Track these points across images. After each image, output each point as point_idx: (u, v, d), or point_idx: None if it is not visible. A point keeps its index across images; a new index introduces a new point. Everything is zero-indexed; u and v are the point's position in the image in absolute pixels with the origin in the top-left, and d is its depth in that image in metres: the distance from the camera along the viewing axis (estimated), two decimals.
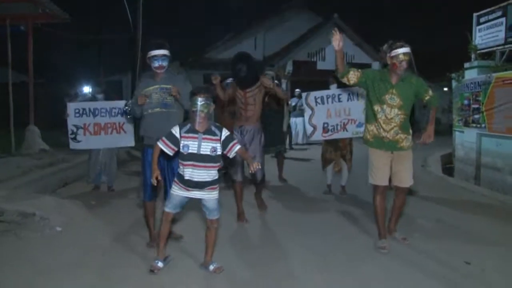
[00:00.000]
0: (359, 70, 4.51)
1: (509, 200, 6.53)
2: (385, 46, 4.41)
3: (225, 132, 3.79)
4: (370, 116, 4.55)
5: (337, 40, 4.20)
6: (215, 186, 3.80)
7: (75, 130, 6.97)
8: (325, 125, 6.68)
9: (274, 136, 7.70)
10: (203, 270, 3.88)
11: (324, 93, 6.77)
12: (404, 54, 4.26)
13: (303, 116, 7.52)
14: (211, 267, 3.85)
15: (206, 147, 3.70)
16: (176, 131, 3.73)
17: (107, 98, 7.32)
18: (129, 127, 7.08)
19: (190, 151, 3.68)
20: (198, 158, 3.69)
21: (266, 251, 4.50)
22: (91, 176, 7.17)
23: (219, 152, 3.75)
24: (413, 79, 4.49)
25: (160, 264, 3.84)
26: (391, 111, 4.39)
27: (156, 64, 4.43)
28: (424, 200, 6.49)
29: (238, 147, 3.83)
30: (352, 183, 6.96)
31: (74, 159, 8.51)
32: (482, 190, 7.33)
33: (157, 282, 3.67)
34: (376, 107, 4.44)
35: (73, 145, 7.08)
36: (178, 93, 4.30)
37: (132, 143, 7.23)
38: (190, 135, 3.70)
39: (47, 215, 4.94)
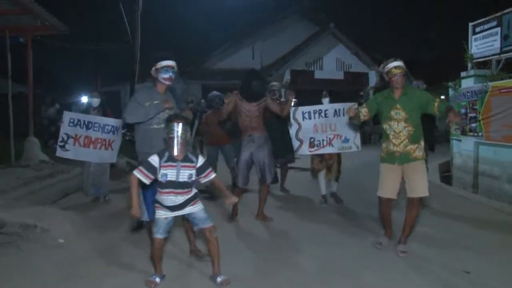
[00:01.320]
0: (364, 105, 4.93)
1: (506, 208, 6.58)
2: (381, 67, 4.73)
3: (201, 159, 3.84)
4: (384, 136, 4.79)
5: (350, 114, 4.80)
6: (197, 200, 3.84)
7: (65, 138, 6.99)
8: (312, 139, 6.76)
9: (282, 145, 7.68)
10: (209, 280, 3.91)
11: (311, 108, 6.84)
12: (395, 67, 4.54)
13: None
14: (219, 279, 3.85)
15: (184, 175, 3.72)
16: (155, 161, 3.71)
17: (103, 104, 7.30)
18: (117, 145, 7.16)
19: (168, 179, 3.69)
20: (177, 185, 3.71)
21: (267, 259, 4.54)
22: (85, 187, 7.24)
23: (194, 178, 3.79)
24: (418, 92, 4.77)
25: (157, 279, 3.84)
26: (398, 125, 4.60)
27: (165, 75, 4.39)
28: (423, 209, 6.51)
29: (213, 175, 3.89)
30: (349, 192, 7.01)
31: (73, 170, 8.51)
32: (479, 198, 7.38)
33: None
34: (385, 125, 4.70)
35: (59, 152, 7.10)
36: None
37: (114, 159, 7.29)
38: (169, 163, 3.70)
39: (48, 227, 4.96)
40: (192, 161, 3.77)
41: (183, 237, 4.87)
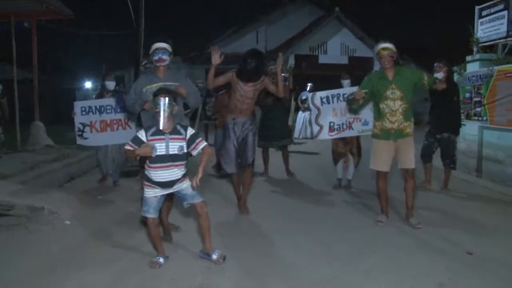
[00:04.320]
0: (359, 88, 5.07)
1: (510, 192, 6.58)
2: (374, 49, 5.07)
3: (190, 131, 3.85)
4: (378, 114, 5.05)
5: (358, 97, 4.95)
6: (185, 177, 3.87)
7: (82, 127, 7.04)
8: (331, 124, 6.78)
9: (280, 130, 7.81)
10: (208, 259, 3.96)
11: (329, 92, 6.87)
12: (382, 48, 4.88)
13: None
14: (214, 256, 3.90)
15: (174, 147, 3.75)
16: (142, 134, 3.75)
17: (116, 87, 7.37)
18: (134, 123, 7.14)
19: (158, 153, 3.72)
20: (167, 159, 3.74)
21: (272, 241, 4.60)
22: (103, 171, 7.28)
23: (185, 150, 3.81)
24: (408, 70, 5.11)
25: (161, 260, 3.90)
26: (395, 104, 4.89)
27: (156, 57, 4.44)
28: (427, 192, 6.56)
29: (203, 144, 3.85)
30: (359, 176, 7.04)
31: (79, 154, 8.58)
32: (483, 182, 7.39)
33: (166, 273, 3.76)
34: (382, 105, 4.96)
35: (80, 141, 7.17)
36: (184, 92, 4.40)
37: None
38: (157, 137, 3.73)
39: (56, 209, 5.02)
40: (180, 133, 3.80)
41: (180, 218, 4.93)
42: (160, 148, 3.72)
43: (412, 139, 5.03)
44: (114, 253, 4.22)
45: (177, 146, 3.76)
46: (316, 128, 6.94)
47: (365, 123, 6.64)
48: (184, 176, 3.86)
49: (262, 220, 5.38)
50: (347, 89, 6.76)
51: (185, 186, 3.86)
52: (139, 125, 5.88)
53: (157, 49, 4.45)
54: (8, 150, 8.72)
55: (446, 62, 6.45)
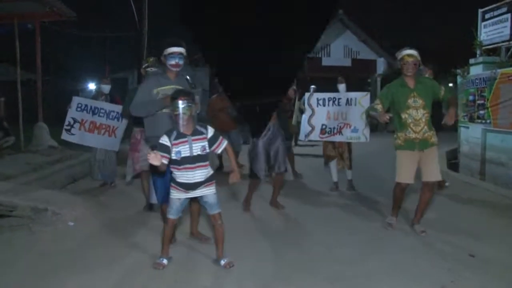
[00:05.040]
0: (377, 101, 4.90)
1: None
2: (396, 53, 4.85)
3: (211, 130, 3.87)
4: (399, 125, 4.83)
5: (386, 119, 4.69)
6: (212, 182, 3.90)
7: (72, 122, 7.13)
8: (324, 126, 6.84)
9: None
10: (213, 263, 3.97)
11: (326, 95, 6.93)
12: (407, 55, 4.69)
13: None
14: (222, 262, 3.93)
15: (197, 148, 3.77)
16: (166, 140, 3.74)
17: (112, 92, 7.39)
18: (120, 133, 7.21)
19: (183, 155, 3.74)
20: (192, 160, 3.76)
21: (275, 243, 4.59)
22: (92, 172, 7.34)
23: (208, 150, 3.84)
24: (427, 80, 5.03)
25: (164, 261, 3.91)
26: (418, 113, 4.71)
27: (172, 61, 4.33)
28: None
29: (225, 143, 3.92)
30: (358, 179, 7.03)
31: (82, 155, 8.60)
32: (486, 185, 7.37)
33: (169, 275, 3.76)
34: (404, 115, 4.75)
35: (65, 136, 7.23)
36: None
37: (116, 148, 7.28)
38: (180, 140, 3.75)
39: (59, 210, 5.04)
40: (202, 133, 3.83)
41: (184, 221, 4.93)
42: (185, 151, 3.75)
43: (437, 150, 4.87)
44: (117, 254, 4.22)
45: (200, 146, 3.79)
46: (307, 128, 7.00)
47: (354, 130, 6.66)
48: (209, 180, 3.88)
49: (264, 222, 5.38)
50: (342, 94, 6.80)
51: (208, 192, 3.88)
52: (137, 126, 5.85)
53: (173, 53, 4.35)
54: (11, 151, 8.75)
55: (433, 66, 6.41)
